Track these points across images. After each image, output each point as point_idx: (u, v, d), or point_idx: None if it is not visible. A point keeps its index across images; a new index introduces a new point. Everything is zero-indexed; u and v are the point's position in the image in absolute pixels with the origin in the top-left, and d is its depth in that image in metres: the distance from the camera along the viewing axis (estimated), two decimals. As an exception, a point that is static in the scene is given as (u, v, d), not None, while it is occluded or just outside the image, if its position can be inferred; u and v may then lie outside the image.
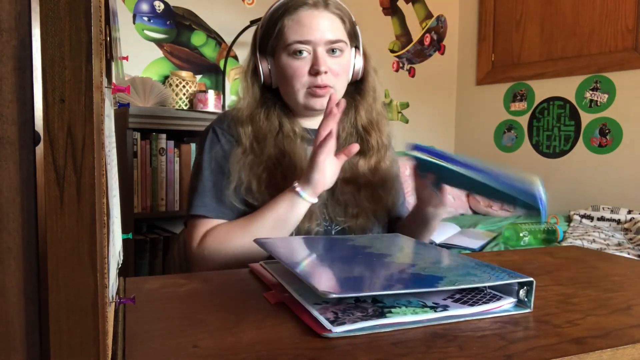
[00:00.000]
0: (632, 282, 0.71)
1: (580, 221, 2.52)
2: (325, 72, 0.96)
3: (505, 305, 0.56)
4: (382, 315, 0.52)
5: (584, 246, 1.93)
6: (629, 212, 2.43)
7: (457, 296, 0.58)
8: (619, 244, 2.12)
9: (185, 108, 2.20)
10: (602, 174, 2.67)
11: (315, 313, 0.52)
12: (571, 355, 0.46)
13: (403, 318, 0.51)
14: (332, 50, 0.97)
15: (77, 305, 0.32)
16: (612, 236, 2.23)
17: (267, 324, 0.53)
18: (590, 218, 2.51)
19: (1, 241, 0.30)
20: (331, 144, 0.87)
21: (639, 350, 0.48)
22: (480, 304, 0.55)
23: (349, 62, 1.01)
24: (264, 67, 0.99)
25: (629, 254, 1.93)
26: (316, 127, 1.03)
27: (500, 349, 0.47)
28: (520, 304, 0.57)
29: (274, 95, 1.03)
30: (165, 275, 0.77)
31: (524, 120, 3.00)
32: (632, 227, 2.29)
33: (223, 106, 2.32)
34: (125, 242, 0.70)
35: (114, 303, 0.46)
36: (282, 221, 0.89)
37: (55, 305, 0.31)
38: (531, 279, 0.56)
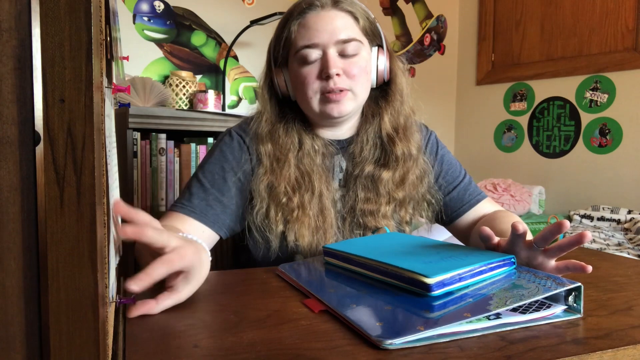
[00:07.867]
0: (633, 283, 0.71)
1: (580, 221, 2.52)
2: (338, 75, 0.89)
3: (556, 312, 0.56)
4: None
5: (583, 246, 1.93)
6: (629, 212, 2.43)
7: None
8: (619, 244, 2.12)
9: (185, 108, 2.20)
10: (602, 174, 2.66)
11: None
12: (572, 356, 0.45)
13: (459, 327, 0.50)
14: (346, 51, 0.90)
15: (77, 305, 0.32)
16: (612, 236, 2.23)
17: (267, 324, 0.53)
18: (590, 218, 2.51)
19: (1, 241, 0.30)
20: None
21: (640, 350, 0.48)
22: (531, 312, 0.55)
23: (368, 63, 0.93)
24: (279, 80, 0.95)
25: (629, 254, 1.93)
26: (340, 137, 1.00)
27: (500, 350, 0.46)
28: (569, 309, 0.56)
29: (294, 108, 0.98)
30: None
31: (524, 120, 3.00)
32: (632, 227, 2.29)
33: (223, 106, 2.32)
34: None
35: (114, 303, 0.46)
36: None
37: (55, 305, 0.31)
38: (579, 284, 0.56)
